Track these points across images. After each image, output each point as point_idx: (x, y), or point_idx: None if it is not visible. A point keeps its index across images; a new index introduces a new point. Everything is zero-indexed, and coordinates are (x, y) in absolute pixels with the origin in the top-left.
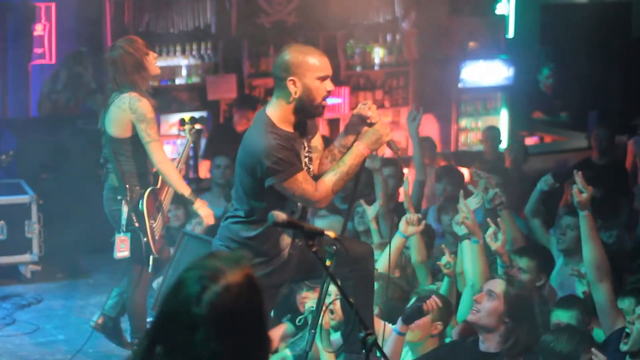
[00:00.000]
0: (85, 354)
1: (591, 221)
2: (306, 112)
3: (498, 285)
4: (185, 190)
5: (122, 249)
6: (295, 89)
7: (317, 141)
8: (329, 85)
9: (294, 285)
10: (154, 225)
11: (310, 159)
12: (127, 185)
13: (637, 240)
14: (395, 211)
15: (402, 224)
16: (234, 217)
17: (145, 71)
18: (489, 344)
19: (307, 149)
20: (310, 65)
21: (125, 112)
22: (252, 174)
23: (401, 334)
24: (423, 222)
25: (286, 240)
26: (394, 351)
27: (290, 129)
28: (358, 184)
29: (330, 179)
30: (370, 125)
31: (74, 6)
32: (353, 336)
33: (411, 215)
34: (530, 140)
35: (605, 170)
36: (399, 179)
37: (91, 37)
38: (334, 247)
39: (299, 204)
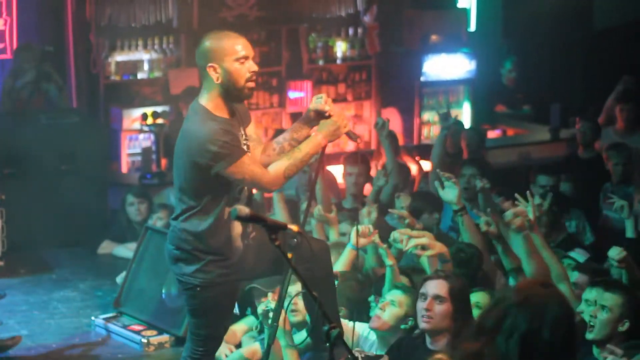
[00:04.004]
0: (48, 348)
1: (540, 237)
2: (233, 97)
3: (442, 287)
4: None
5: None
6: (216, 74)
7: (251, 130)
8: (251, 66)
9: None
10: None
11: (248, 147)
12: None
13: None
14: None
15: (352, 235)
16: (181, 215)
17: None
18: (437, 343)
19: (244, 136)
20: (227, 49)
21: None
22: (197, 164)
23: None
24: (374, 233)
25: (237, 229)
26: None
27: (226, 116)
28: (316, 182)
29: (283, 163)
30: (328, 117)
31: (35, 0)
32: (318, 332)
33: (363, 227)
34: (492, 134)
35: (591, 164)
36: (367, 175)
37: (53, 31)
38: (294, 240)
39: (242, 193)
